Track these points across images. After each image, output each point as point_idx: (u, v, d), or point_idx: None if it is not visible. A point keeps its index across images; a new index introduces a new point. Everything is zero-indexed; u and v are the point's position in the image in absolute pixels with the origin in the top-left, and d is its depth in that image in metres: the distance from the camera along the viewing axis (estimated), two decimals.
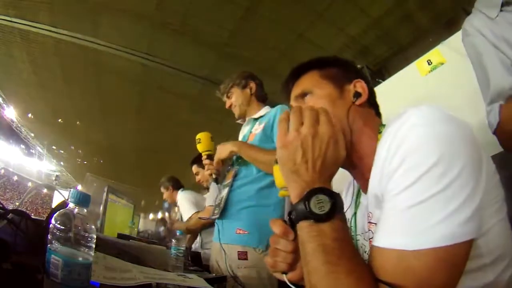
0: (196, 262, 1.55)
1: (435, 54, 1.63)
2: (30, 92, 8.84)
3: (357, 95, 0.60)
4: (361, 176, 0.57)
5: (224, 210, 1.14)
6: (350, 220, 0.62)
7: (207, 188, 2.25)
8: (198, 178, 2.23)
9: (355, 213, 0.62)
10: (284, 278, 0.48)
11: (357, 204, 0.62)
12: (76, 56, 6.39)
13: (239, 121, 1.36)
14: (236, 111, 1.32)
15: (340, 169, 0.50)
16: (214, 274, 1.03)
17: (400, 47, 4.87)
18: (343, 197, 0.63)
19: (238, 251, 1.02)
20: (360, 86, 0.61)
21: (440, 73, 1.60)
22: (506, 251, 0.41)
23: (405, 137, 0.40)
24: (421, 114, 0.42)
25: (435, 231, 0.35)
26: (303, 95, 0.62)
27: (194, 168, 2.23)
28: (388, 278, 0.36)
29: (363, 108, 0.60)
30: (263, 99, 1.34)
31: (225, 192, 1.15)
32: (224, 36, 5.39)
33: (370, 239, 0.53)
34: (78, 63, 6.68)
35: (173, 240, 1.05)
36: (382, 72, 4.85)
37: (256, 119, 1.27)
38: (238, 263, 1.02)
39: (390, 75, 2.59)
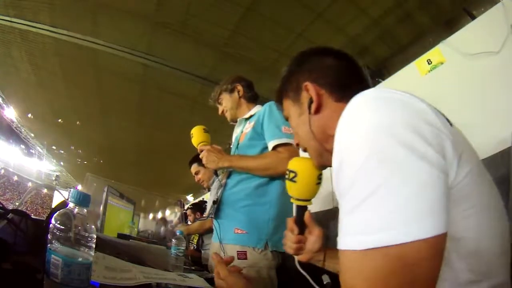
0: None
1: (435, 53, 1.62)
2: (30, 92, 8.84)
3: (311, 101, 0.50)
4: None
5: (219, 210, 1.14)
6: None
7: (208, 189, 2.23)
8: (198, 177, 2.15)
9: None
10: (296, 258, 0.68)
11: None
12: (76, 56, 6.39)
13: (232, 123, 1.38)
14: (228, 116, 1.35)
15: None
16: (214, 274, 1.03)
17: (400, 47, 4.88)
18: None
19: (237, 251, 1.02)
20: (310, 88, 0.51)
21: (440, 73, 1.59)
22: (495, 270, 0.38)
23: (336, 134, 0.38)
24: (350, 105, 0.39)
25: (382, 229, 0.31)
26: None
27: (194, 168, 2.16)
28: (343, 282, 0.34)
29: (327, 110, 0.50)
30: (253, 99, 1.36)
31: (219, 192, 1.16)
32: (224, 36, 5.39)
33: None
34: (78, 63, 6.69)
35: (173, 240, 1.05)
36: (382, 71, 4.86)
37: (247, 119, 1.29)
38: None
39: (390, 74, 2.59)
